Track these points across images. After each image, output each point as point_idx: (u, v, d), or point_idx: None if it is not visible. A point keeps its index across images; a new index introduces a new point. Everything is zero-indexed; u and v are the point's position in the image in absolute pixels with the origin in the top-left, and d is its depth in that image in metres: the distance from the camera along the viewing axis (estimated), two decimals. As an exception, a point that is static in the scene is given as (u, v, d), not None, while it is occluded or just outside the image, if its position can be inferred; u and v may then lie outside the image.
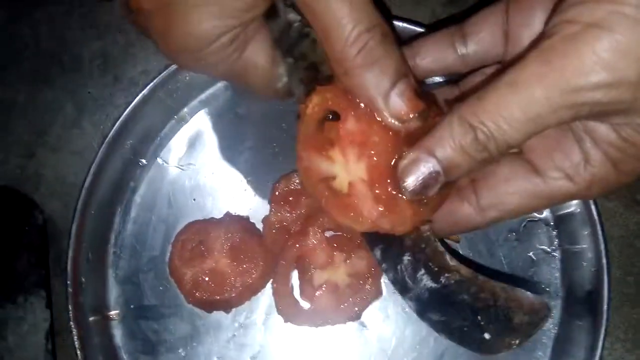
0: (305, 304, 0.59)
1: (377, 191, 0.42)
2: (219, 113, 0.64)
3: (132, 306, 0.61)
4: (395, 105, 0.39)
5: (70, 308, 0.56)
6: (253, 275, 0.59)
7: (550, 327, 0.58)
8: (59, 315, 0.61)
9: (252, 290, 0.60)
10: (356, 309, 0.58)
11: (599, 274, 0.56)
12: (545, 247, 0.60)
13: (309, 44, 0.44)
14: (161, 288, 0.61)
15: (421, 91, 0.41)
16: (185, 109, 0.64)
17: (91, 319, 0.58)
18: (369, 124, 0.41)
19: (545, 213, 0.60)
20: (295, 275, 0.60)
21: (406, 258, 0.44)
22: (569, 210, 0.59)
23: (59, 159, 0.66)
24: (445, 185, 0.39)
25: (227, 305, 0.59)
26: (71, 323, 0.56)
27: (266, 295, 0.61)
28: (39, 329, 0.57)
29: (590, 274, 0.57)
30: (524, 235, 0.60)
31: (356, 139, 0.42)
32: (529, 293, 0.41)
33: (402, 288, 0.44)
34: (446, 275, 0.42)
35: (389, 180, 0.41)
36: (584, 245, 0.58)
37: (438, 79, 0.59)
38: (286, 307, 0.58)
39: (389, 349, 0.59)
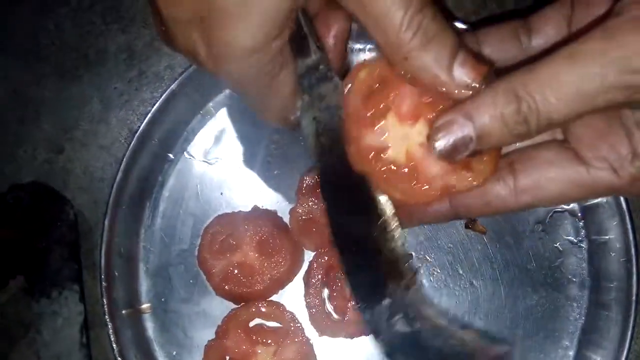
0: (338, 316, 0.59)
1: None
2: (244, 107, 0.63)
3: (162, 299, 0.62)
4: (460, 76, 0.39)
5: (104, 302, 0.57)
6: (281, 269, 0.60)
7: (577, 317, 0.59)
8: (91, 309, 0.62)
9: (280, 283, 0.61)
10: None
11: (628, 264, 0.56)
12: (572, 238, 0.60)
13: (332, 87, 0.45)
14: (191, 281, 0.62)
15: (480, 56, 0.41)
16: (211, 104, 0.65)
17: (124, 312, 0.59)
18: (420, 89, 0.42)
19: (572, 204, 0.61)
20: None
21: (386, 302, 0.44)
22: (596, 201, 0.59)
23: (87, 154, 0.67)
24: (477, 152, 0.39)
25: (255, 298, 0.60)
26: (106, 316, 0.57)
27: (294, 288, 0.61)
28: (74, 323, 0.58)
29: (618, 265, 0.57)
30: (550, 226, 0.61)
31: (411, 103, 0.43)
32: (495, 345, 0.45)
33: (375, 330, 0.45)
34: (422, 321, 0.44)
35: None
36: (612, 236, 0.58)
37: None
38: (319, 321, 0.59)
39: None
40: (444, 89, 0.39)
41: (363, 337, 0.59)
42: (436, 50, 0.38)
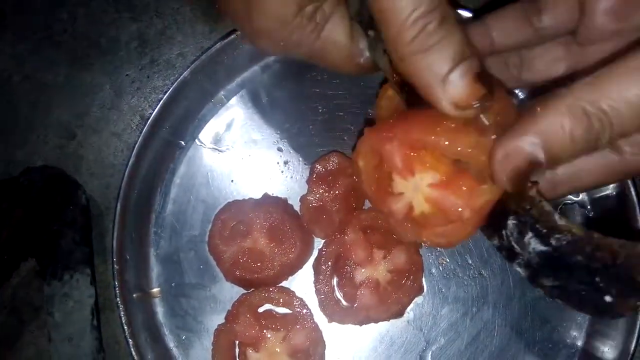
0: (347, 303, 0.60)
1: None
2: (255, 95, 0.65)
3: (173, 284, 0.62)
4: (453, 90, 0.36)
5: (116, 284, 0.58)
6: (291, 255, 0.60)
7: (586, 309, 0.59)
8: (101, 293, 0.62)
9: (290, 269, 0.61)
10: (399, 306, 0.58)
11: (637, 255, 0.56)
12: (581, 230, 0.60)
13: None
14: (201, 266, 0.62)
15: (486, 75, 0.38)
16: (222, 92, 0.65)
17: (134, 295, 0.60)
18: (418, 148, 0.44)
19: (582, 196, 0.61)
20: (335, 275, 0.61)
21: (511, 222, 0.40)
22: (605, 193, 0.59)
23: (99, 140, 0.67)
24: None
25: (265, 284, 0.60)
26: (117, 299, 0.57)
27: (303, 275, 0.62)
28: (85, 305, 0.59)
29: (627, 256, 0.57)
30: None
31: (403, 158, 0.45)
32: None
33: (509, 254, 0.41)
34: (557, 236, 0.38)
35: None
36: (620, 229, 0.58)
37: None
38: (329, 308, 0.59)
39: (425, 328, 0.60)
40: (434, 104, 0.38)
41: (372, 325, 0.59)
42: (435, 58, 0.36)
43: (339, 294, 0.60)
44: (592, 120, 0.34)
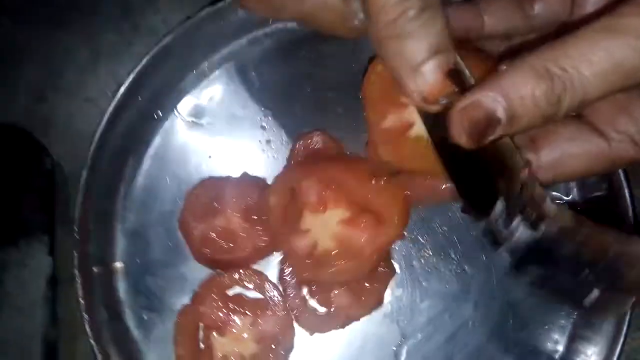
0: (324, 309, 0.57)
1: None
2: (241, 70, 0.62)
3: (138, 260, 0.58)
4: (423, 82, 0.36)
5: (75, 255, 0.54)
6: (264, 239, 0.57)
7: (570, 310, 0.56)
8: (60, 265, 0.58)
9: (262, 253, 0.58)
10: (377, 295, 0.56)
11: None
12: (570, 231, 0.58)
13: None
14: (170, 244, 0.59)
15: (460, 72, 0.37)
16: (206, 63, 0.62)
17: (95, 269, 0.56)
18: None
19: (572, 196, 0.59)
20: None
21: (499, 204, 0.38)
22: (597, 194, 0.57)
23: (71, 104, 0.63)
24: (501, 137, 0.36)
25: (234, 266, 0.57)
26: (75, 270, 0.54)
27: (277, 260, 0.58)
28: (40, 275, 0.55)
29: (616, 260, 0.55)
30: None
31: None
32: None
33: (493, 239, 0.39)
34: (547, 222, 0.37)
35: None
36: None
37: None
38: (307, 321, 0.56)
39: (402, 322, 0.57)
40: (403, 90, 0.37)
41: (354, 323, 0.56)
42: (410, 45, 0.35)
43: (313, 303, 0.56)
44: (554, 80, 0.33)
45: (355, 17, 0.42)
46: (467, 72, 0.38)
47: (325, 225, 0.52)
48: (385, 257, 0.56)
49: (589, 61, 0.32)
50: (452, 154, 0.40)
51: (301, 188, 0.51)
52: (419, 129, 0.42)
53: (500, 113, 0.34)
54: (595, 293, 0.36)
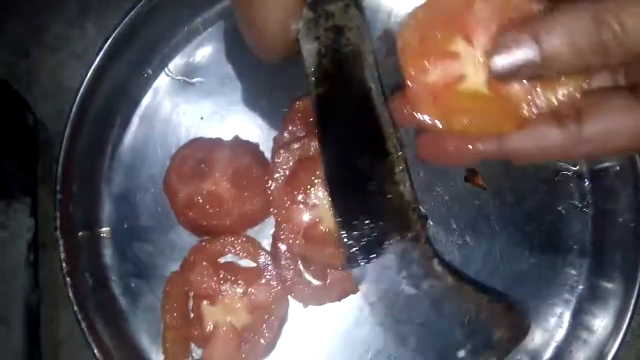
0: (319, 282, 0.54)
1: None
2: (236, 28, 0.58)
3: (125, 225, 0.56)
4: None
5: (57, 216, 0.51)
6: (253, 206, 0.54)
7: (574, 284, 0.55)
8: (44, 228, 0.56)
9: (249, 221, 0.55)
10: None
11: (637, 234, 0.52)
12: (577, 202, 0.56)
13: (342, 7, 0.44)
14: (159, 209, 0.56)
15: None
16: (199, 19, 0.59)
17: (80, 233, 0.53)
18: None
19: (580, 166, 0.56)
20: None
21: (389, 257, 0.41)
22: (606, 165, 0.54)
23: (56, 60, 0.60)
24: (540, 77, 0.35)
25: (219, 233, 0.54)
26: (57, 232, 0.51)
27: (267, 227, 0.56)
28: (21, 238, 0.52)
29: (626, 234, 0.53)
30: (555, 187, 0.56)
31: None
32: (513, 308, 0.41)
33: (369, 291, 0.43)
34: (430, 282, 0.40)
35: None
36: (620, 205, 0.54)
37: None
38: (301, 293, 0.53)
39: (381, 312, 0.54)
40: None
41: (350, 297, 0.53)
42: None
43: (307, 275, 0.54)
44: (604, 30, 0.31)
45: (291, 31, 0.44)
46: None
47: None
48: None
49: None
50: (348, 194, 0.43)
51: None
52: (473, 81, 0.39)
53: (535, 56, 0.33)
54: (460, 354, 0.38)
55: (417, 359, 0.48)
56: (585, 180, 0.56)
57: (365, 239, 0.42)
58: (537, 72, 0.34)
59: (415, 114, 0.39)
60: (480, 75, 0.38)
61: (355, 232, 0.43)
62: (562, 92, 0.36)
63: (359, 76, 0.45)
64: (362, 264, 0.41)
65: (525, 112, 0.37)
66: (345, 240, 0.43)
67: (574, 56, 0.32)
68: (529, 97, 0.37)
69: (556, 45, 0.33)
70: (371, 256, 0.42)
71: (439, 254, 0.47)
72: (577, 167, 0.56)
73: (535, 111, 0.37)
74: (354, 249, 0.42)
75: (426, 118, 0.39)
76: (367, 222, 0.43)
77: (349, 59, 0.45)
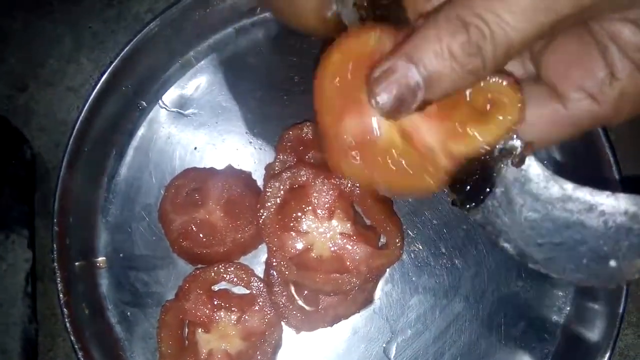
0: (311, 307, 0.55)
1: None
2: (227, 60, 0.60)
3: (121, 255, 0.57)
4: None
5: (54, 247, 0.52)
6: (245, 234, 0.55)
7: (562, 306, 0.56)
8: (41, 259, 0.57)
9: (242, 249, 0.56)
10: (365, 293, 0.54)
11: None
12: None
13: None
14: (154, 238, 0.57)
15: None
16: (192, 53, 0.60)
17: (76, 263, 0.54)
18: None
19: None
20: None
21: (499, 190, 0.35)
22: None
23: (53, 94, 0.62)
24: (428, 102, 0.32)
25: (213, 261, 0.55)
26: (55, 264, 0.52)
27: (258, 255, 0.57)
28: (19, 270, 0.53)
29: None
30: (541, 210, 0.57)
31: None
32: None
33: (494, 231, 0.37)
34: (554, 198, 0.34)
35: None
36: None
37: None
38: (294, 319, 0.53)
39: (392, 318, 0.56)
40: None
41: (342, 322, 0.54)
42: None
43: (300, 301, 0.54)
44: (471, 29, 0.29)
45: (329, 9, 0.40)
46: None
47: (326, 233, 0.52)
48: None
49: (506, 3, 0.29)
50: None
51: (311, 187, 0.49)
52: (388, 133, 0.35)
53: (415, 76, 0.31)
54: (612, 263, 0.34)
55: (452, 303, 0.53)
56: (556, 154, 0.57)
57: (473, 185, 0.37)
58: (424, 97, 0.32)
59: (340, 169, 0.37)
60: (395, 128, 0.35)
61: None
62: (477, 138, 0.34)
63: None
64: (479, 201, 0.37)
65: (443, 163, 0.35)
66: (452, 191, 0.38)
67: (451, 66, 0.30)
68: (443, 147, 0.35)
69: (433, 61, 0.30)
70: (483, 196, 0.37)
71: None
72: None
73: (452, 162, 0.35)
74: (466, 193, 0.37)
75: (346, 176, 0.37)
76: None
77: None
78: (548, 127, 0.35)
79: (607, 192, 0.34)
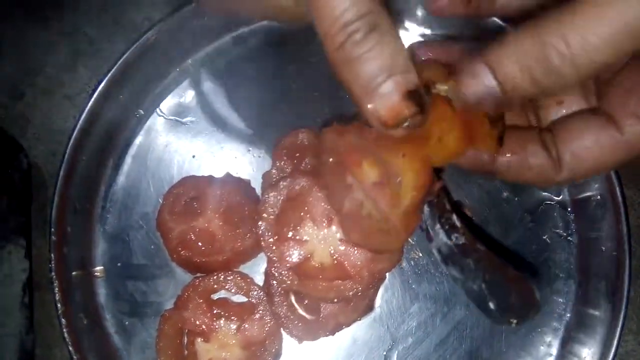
0: (312, 316, 0.54)
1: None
2: (226, 68, 0.60)
3: (119, 264, 0.56)
4: (379, 104, 0.34)
5: (52, 257, 0.52)
6: (244, 242, 0.54)
7: (562, 312, 0.56)
8: (38, 269, 0.56)
9: (241, 257, 0.56)
10: (367, 300, 0.54)
11: (620, 262, 0.53)
12: (561, 231, 0.57)
13: None
14: (152, 247, 0.57)
15: (420, 94, 0.35)
16: (190, 61, 0.60)
17: (74, 273, 0.54)
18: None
19: (563, 196, 0.58)
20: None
21: (426, 209, 0.43)
22: (587, 194, 0.56)
23: (49, 102, 0.61)
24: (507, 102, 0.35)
25: (212, 269, 0.55)
26: (52, 274, 0.51)
27: (257, 263, 0.57)
28: (16, 280, 0.52)
29: (609, 262, 0.54)
30: (540, 217, 0.57)
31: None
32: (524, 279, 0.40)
33: (427, 236, 0.44)
34: (455, 235, 0.42)
35: None
36: (603, 233, 0.55)
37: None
38: (296, 329, 0.53)
39: (392, 326, 0.55)
40: (363, 113, 0.35)
41: (343, 331, 0.54)
42: (361, 69, 0.33)
43: (301, 310, 0.54)
44: (551, 51, 0.32)
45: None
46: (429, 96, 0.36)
47: (326, 240, 0.52)
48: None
49: (593, 26, 0.31)
50: None
51: (309, 195, 0.50)
52: (368, 206, 0.41)
53: (492, 83, 0.34)
54: (491, 305, 0.39)
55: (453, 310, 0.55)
56: (569, 209, 0.58)
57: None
58: (502, 102, 0.35)
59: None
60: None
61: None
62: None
63: None
64: None
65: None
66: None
67: (529, 82, 0.33)
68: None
69: (510, 72, 0.33)
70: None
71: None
72: (560, 197, 0.58)
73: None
74: None
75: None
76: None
77: None
78: (605, 153, 0.38)
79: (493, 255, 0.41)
